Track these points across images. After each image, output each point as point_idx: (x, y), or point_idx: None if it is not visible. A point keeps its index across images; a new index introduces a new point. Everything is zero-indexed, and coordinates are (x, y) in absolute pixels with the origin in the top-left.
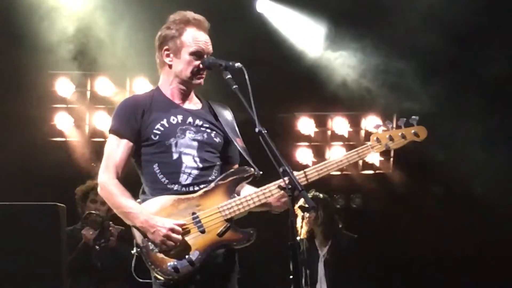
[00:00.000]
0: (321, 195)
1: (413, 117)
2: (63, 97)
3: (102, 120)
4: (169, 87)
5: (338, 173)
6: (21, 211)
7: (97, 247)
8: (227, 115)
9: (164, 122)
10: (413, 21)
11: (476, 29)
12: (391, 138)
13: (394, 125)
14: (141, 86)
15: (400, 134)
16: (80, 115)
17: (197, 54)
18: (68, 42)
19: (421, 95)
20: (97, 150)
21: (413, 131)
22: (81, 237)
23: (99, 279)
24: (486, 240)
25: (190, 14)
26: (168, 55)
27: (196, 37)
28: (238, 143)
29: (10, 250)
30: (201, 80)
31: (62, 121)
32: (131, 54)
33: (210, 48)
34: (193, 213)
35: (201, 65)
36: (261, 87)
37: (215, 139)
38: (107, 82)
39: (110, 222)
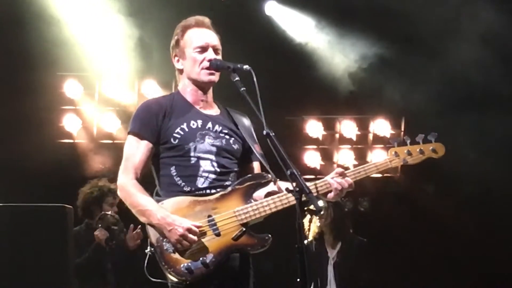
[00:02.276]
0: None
1: (432, 133)
2: (72, 99)
3: (110, 122)
4: (187, 92)
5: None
6: (29, 212)
7: (107, 248)
8: (245, 122)
9: (184, 126)
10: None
11: None
12: (409, 153)
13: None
14: (149, 88)
15: (418, 150)
16: (88, 117)
17: (201, 48)
18: (78, 44)
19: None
20: (105, 152)
21: (431, 148)
22: (86, 239)
23: (110, 280)
24: (495, 243)
25: (192, 18)
26: (178, 61)
27: (197, 34)
28: (256, 149)
29: (18, 251)
30: (212, 77)
31: (70, 123)
32: (140, 56)
33: (215, 41)
34: (209, 216)
35: (208, 56)
36: (270, 89)
37: (233, 145)
38: (115, 84)
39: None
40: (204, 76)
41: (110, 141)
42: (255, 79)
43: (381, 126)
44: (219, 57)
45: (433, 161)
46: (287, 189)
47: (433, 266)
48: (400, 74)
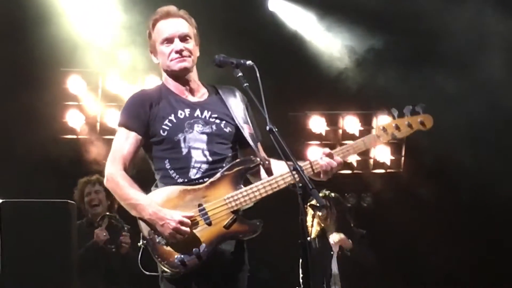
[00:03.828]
0: (332, 194)
1: (420, 104)
2: (75, 95)
3: (114, 118)
4: (169, 83)
5: (349, 171)
6: (32, 208)
7: (110, 246)
8: (235, 99)
9: (172, 117)
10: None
11: None
12: (397, 127)
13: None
14: (152, 83)
15: (406, 123)
16: (91, 113)
17: (167, 40)
18: (82, 40)
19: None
20: (108, 148)
21: (419, 119)
22: (87, 232)
23: (106, 277)
24: (500, 240)
25: (159, 9)
26: (154, 56)
27: (163, 27)
28: (246, 129)
29: (21, 246)
30: (183, 63)
31: (73, 119)
32: (143, 52)
33: (180, 29)
34: (200, 205)
35: (175, 47)
36: (273, 85)
37: (225, 129)
38: (119, 80)
39: (127, 228)
40: (175, 65)
41: (113, 137)
42: (258, 74)
43: (384, 122)
44: (189, 44)
45: (437, 156)
46: (290, 185)
47: (436, 261)
48: (405, 70)
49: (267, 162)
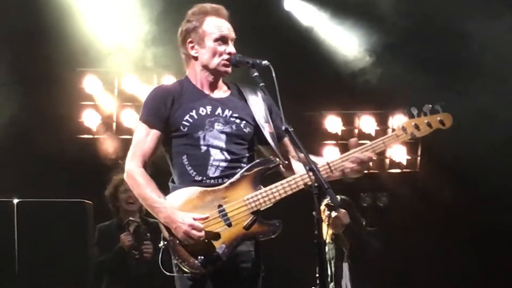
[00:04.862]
0: (338, 197)
1: (439, 103)
2: (91, 94)
3: (130, 118)
4: (197, 78)
5: (365, 171)
6: (48, 207)
7: (134, 252)
8: (257, 99)
9: (193, 113)
10: None
11: None
12: (416, 127)
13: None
14: (168, 83)
15: (426, 121)
16: (107, 112)
17: (221, 40)
18: (98, 40)
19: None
20: (124, 148)
21: (439, 118)
22: (116, 234)
23: (131, 283)
24: None
25: (208, 5)
26: (193, 47)
27: (217, 24)
28: (267, 129)
29: (38, 245)
30: (229, 69)
31: (89, 118)
32: (159, 51)
33: (233, 34)
34: (219, 206)
35: (227, 50)
36: (289, 85)
37: (244, 129)
38: (135, 80)
39: (149, 236)
40: (222, 67)
41: (130, 137)
42: (274, 74)
43: (400, 122)
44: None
45: (453, 156)
46: (305, 184)
47: (452, 261)
48: (420, 69)
49: (286, 162)
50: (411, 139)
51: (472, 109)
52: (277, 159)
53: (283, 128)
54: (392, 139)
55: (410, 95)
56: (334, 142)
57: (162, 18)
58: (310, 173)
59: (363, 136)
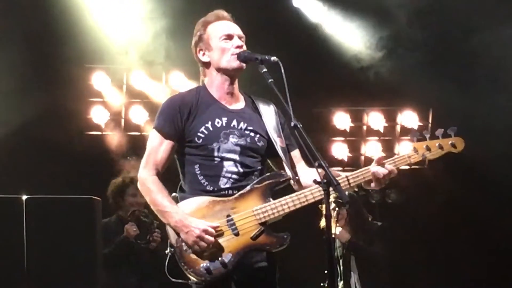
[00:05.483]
0: (346, 193)
1: (452, 127)
2: (99, 91)
3: (138, 114)
4: (214, 86)
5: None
6: (56, 204)
7: (139, 241)
8: (270, 112)
9: (209, 125)
10: None
11: None
12: (428, 148)
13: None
14: (177, 80)
15: (437, 144)
16: (116, 109)
17: (227, 36)
18: (106, 37)
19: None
20: (133, 144)
21: (450, 142)
22: (116, 230)
23: (140, 272)
24: None
25: (210, 14)
26: (203, 54)
27: (220, 25)
28: (279, 143)
29: (46, 242)
30: (243, 64)
31: (98, 115)
32: (168, 48)
33: (238, 31)
34: (228, 216)
35: (235, 43)
36: (297, 81)
37: (258, 143)
38: (143, 76)
39: (156, 223)
40: (234, 62)
41: (138, 133)
42: (283, 70)
43: (408, 118)
44: (244, 45)
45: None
46: (314, 181)
47: (461, 257)
48: (429, 66)
49: (297, 178)
50: (423, 160)
51: (482, 107)
52: (288, 173)
53: (292, 124)
54: (403, 159)
55: (418, 92)
56: (342, 138)
57: (171, 14)
58: (319, 170)
59: (371, 132)
